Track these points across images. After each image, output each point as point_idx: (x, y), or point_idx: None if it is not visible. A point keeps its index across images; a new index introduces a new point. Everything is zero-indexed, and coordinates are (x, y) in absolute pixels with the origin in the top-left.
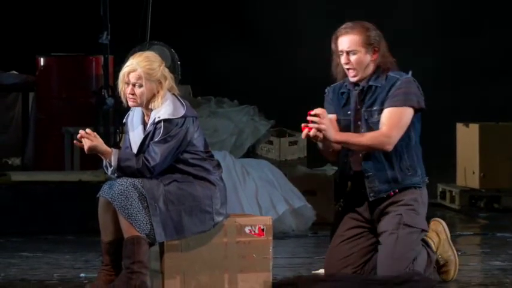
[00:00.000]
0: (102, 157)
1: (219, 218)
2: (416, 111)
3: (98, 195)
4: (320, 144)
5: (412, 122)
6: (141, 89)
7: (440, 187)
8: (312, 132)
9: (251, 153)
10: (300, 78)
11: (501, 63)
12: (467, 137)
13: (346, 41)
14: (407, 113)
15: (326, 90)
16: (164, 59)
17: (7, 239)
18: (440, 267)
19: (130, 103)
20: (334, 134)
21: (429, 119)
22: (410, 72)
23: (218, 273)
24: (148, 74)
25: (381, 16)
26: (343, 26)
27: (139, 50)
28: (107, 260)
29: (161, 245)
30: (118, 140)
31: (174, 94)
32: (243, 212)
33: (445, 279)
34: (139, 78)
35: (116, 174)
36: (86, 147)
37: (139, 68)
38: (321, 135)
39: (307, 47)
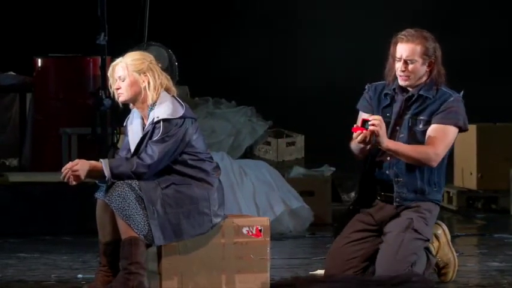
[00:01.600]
0: (96, 173)
1: (217, 220)
2: (459, 131)
3: (95, 197)
4: (359, 145)
5: None
6: (126, 82)
7: None
8: (360, 136)
9: (249, 154)
10: (298, 80)
11: (498, 63)
12: (465, 138)
13: (405, 49)
14: (454, 133)
15: (366, 86)
16: (162, 59)
17: (4, 239)
18: (440, 269)
19: (119, 99)
20: (387, 141)
21: None
22: (462, 92)
23: (216, 274)
24: (132, 65)
25: (378, 16)
26: (404, 33)
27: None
28: (105, 261)
29: (159, 246)
30: (116, 140)
31: (172, 96)
32: (241, 213)
33: (444, 281)
34: (124, 69)
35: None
36: (77, 180)
37: (123, 60)
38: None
39: (305, 48)
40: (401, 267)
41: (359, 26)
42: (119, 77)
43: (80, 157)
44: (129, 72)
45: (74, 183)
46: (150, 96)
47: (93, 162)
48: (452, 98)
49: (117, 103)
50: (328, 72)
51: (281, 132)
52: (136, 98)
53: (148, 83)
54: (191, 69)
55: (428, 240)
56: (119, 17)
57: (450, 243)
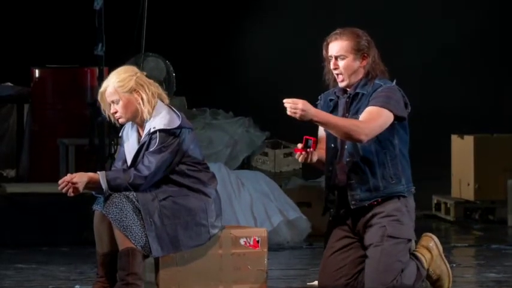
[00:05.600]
0: (93, 185)
1: (214, 231)
2: (396, 118)
3: (92, 209)
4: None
5: (396, 130)
6: (120, 104)
7: (435, 199)
8: (301, 157)
9: (246, 164)
10: (295, 90)
11: (497, 70)
12: (462, 149)
13: (335, 46)
14: (386, 114)
15: (319, 97)
16: (159, 70)
17: (2, 250)
18: (434, 282)
19: (119, 121)
20: (315, 112)
21: (424, 129)
22: (394, 81)
23: (213, 285)
24: (120, 87)
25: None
26: (333, 32)
27: (135, 62)
28: (102, 272)
29: (156, 257)
30: (113, 151)
31: (168, 106)
32: (238, 224)
33: None
34: (114, 93)
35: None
36: (75, 193)
37: (110, 84)
38: (297, 115)
39: (303, 58)
40: (388, 278)
41: None
42: (112, 101)
43: (77, 168)
44: (120, 95)
45: (72, 195)
46: (146, 110)
47: (90, 174)
48: (381, 87)
49: None
50: (324, 83)
51: (278, 143)
52: (135, 115)
53: (142, 98)
54: (188, 80)
55: (410, 240)
56: (117, 27)
57: (442, 255)
